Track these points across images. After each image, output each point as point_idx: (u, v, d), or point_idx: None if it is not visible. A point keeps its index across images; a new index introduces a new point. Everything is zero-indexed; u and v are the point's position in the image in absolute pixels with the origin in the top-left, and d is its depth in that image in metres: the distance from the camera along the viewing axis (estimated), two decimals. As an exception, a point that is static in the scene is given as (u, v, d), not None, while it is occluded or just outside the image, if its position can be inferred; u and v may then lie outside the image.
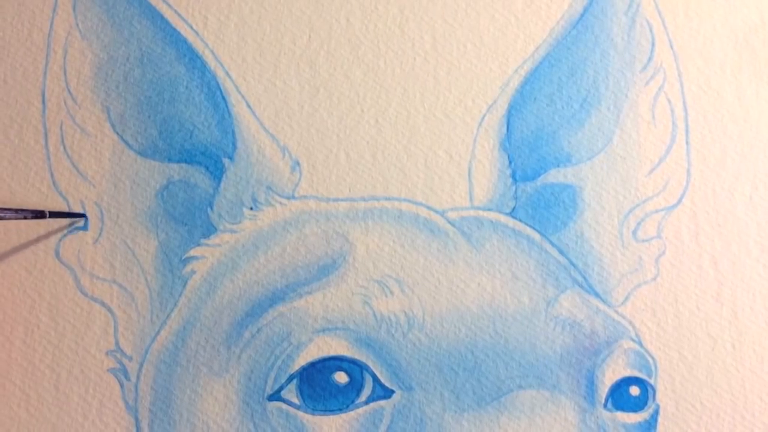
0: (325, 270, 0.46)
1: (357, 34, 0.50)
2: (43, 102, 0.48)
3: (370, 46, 0.50)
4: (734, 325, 0.48)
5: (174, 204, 0.47)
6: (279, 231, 0.47)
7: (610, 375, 0.46)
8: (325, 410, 0.44)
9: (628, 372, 0.46)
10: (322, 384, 0.44)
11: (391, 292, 0.46)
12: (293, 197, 0.48)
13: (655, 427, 0.46)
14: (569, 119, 0.50)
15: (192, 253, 0.47)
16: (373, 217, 0.47)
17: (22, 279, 0.46)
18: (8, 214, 0.45)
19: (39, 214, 0.46)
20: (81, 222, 0.47)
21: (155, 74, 0.49)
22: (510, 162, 0.49)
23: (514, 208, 0.48)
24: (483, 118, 0.49)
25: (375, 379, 0.44)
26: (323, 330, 0.45)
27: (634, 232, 0.48)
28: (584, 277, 0.47)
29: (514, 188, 0.48)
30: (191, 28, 0.49)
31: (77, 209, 0.47)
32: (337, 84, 0.49)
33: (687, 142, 0.50)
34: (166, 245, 0.47)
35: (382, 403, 0.44)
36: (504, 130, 0.49)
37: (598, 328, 0.46)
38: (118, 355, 0.46)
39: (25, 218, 0.45)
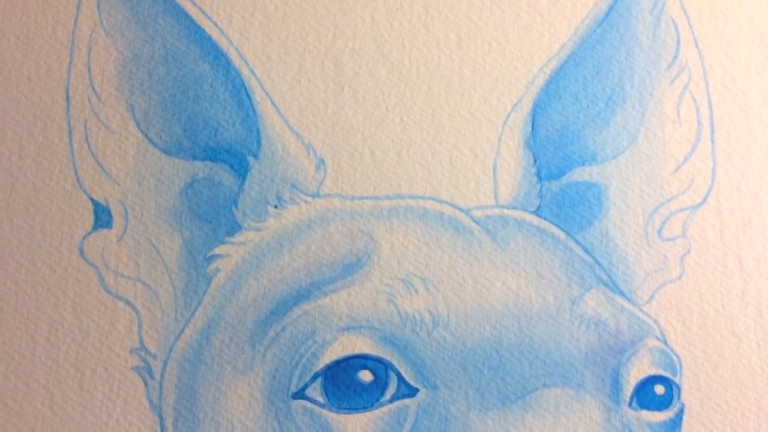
0: (350, 268, 0.46)
1: (382, 32, 0.50)
2: (68, 99, 0.48)
3: (395, 44, 0.50)
4: (759, 324, 0.47)
5: (198, 202, 0.47)
6: (304, 229, 0.47)
7: (635, 373, 0.45)
8: (350, 408, 0.44)
9: (653, 371, 0.46)
10: (347, 382, 0.44)
11: (416, 291, 0.45)
12: (318, 195, 0.48)
13: (680, 425, 0.46)
14: (594, 118, 0.49)
15: (216, 251, 0.47)
16: (398, 215, 0.47)
17: (46, 277, 0.46)
18: None
19: None
20: (105, 219, 0.47)
21: (180, 72, 0.48)
22: (535, 160, 0.49)
23: (539, 207, 0.48)
24: (508, 117, 0.49)
25: (399, 377, 0.44)
26: (348, 328, 0.45)
27: (659, 231, 0.48)
28: (609, 276, 0.47)
29: (539, 187, 0.48)
30: (216, 25, 0.49)
31: (101, 207, 0.47)
32: (361, 82, 0.49)
33: (712, 141, 0.50)
34: (190, 243, 0.47)
35: (406, 401, 0.44)
36: (529, 128, 0.49)
37: (623, 326, 0.46)
38: (143, 353, 0.45)
39: None
